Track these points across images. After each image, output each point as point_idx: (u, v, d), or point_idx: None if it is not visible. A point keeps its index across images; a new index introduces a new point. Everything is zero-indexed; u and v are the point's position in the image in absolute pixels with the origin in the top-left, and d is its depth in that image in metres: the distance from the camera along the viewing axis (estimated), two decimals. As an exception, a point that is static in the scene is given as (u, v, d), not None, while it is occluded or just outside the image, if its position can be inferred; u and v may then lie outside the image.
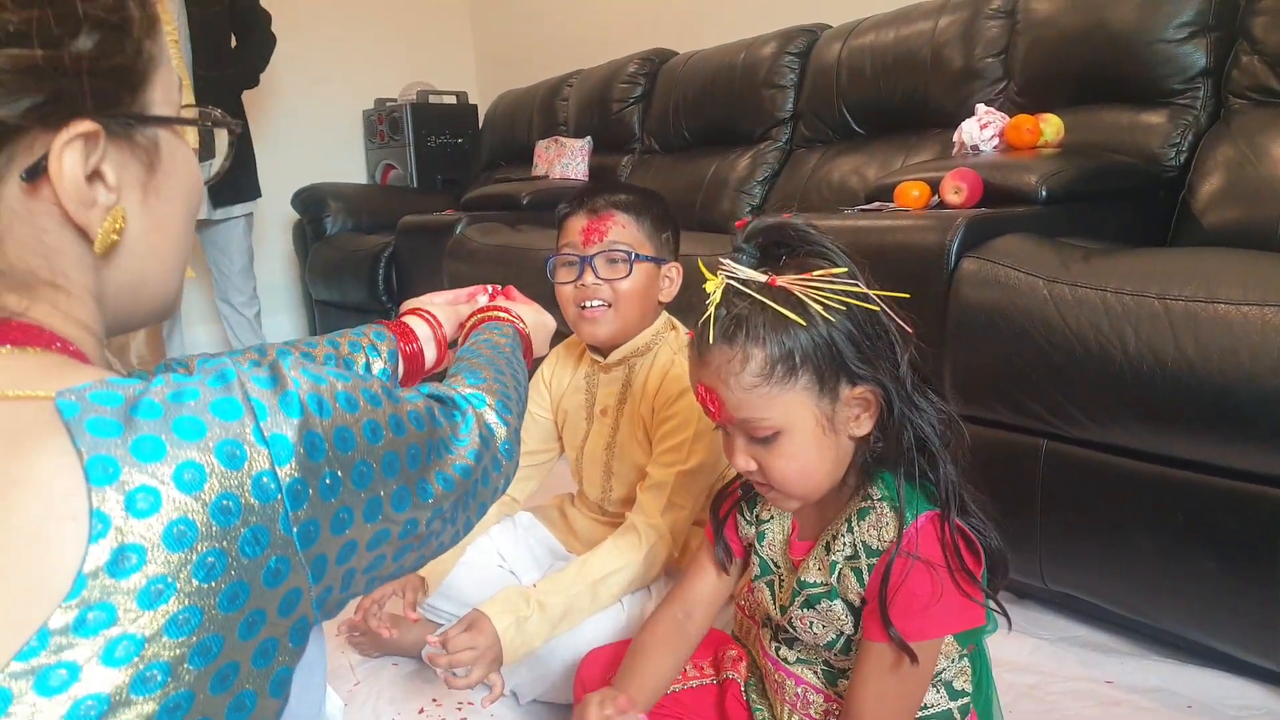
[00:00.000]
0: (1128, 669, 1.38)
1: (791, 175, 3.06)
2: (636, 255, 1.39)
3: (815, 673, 1.04)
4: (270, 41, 3.52)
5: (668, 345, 1.45)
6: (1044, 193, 1.76)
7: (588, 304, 1.41)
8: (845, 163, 2.86)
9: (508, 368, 0.79)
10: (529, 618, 1.25)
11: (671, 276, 1.45)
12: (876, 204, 1.99)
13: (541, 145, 3.97)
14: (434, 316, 0.97)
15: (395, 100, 4.86)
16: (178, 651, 0.42)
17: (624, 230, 1.39)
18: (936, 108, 2.58)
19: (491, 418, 0.66)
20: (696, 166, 3.38)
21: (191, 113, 0.61)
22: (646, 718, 1.07)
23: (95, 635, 0.40)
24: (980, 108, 2.17)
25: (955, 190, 1.81)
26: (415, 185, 4.73)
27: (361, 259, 3.85)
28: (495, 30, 5.15)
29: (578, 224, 1.41)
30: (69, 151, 0.50)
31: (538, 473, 1.61)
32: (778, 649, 1.07)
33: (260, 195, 3.53)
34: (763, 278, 0.90)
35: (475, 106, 4.95)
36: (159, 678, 0.41)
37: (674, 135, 3.56)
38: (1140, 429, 1.32)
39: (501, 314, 0.96)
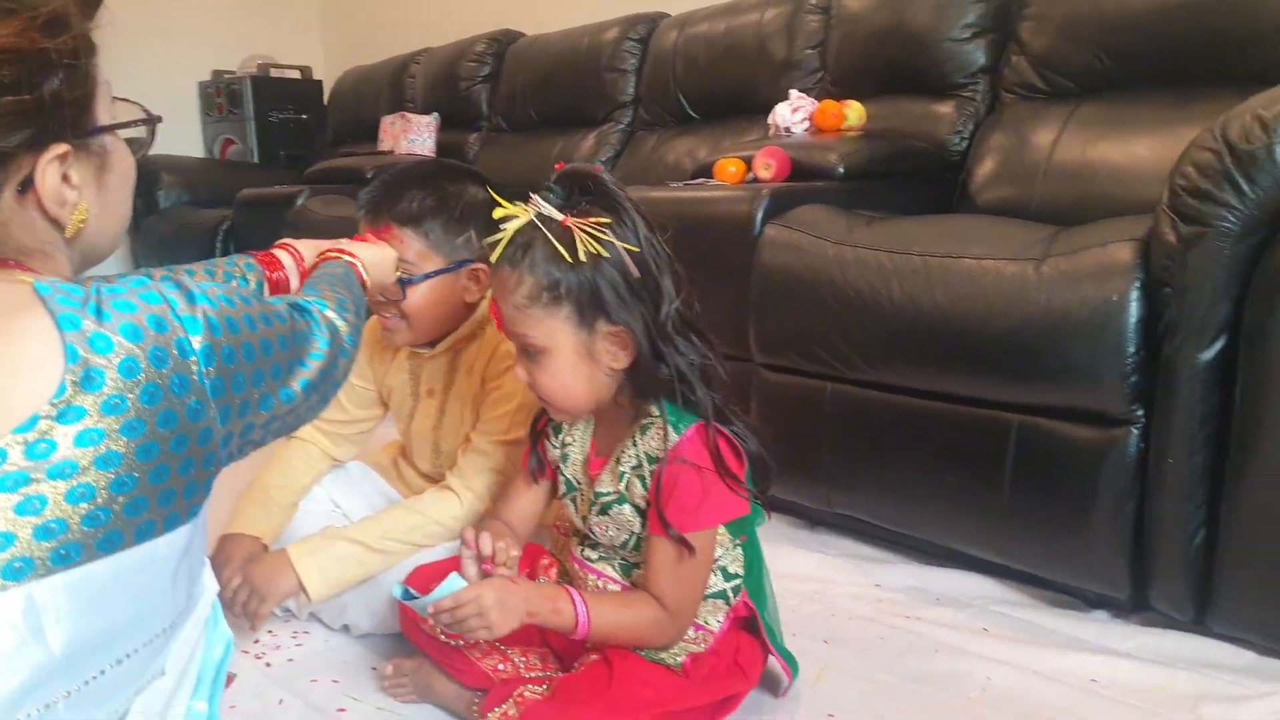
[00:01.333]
0: (893, 574, 1.60)
1: (633, 156, 3.22)
2: (408, 280, 1.32)
3: (613, 567, 1.19)
4: None
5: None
6: (842, 170, 1.99)
7: (381, 313, 1.38)
8: (680, 144, 3.04)
9: (341, 284, 0.96)
10: (335, 552, 1.31)
11: (478, 277, 1.38)
12: (700, 179, 2.17)
13: (388, 120, 4.01)
14: (297, 249, 1.12)
15: (234, 73, 4.78)
16: (128, 447, 0.60)
17: (402, 246, 1.31)
18: (762, 94, 2.76)
19: (333, 316, 0.83)
20: (543, 145, 3.50)
21: (124, 108, 0.78)
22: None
23: (70, 425, 0.58)
24: (793, 93, 2.38)
25: (765, 167, 2.01)
26: (257, 160, 4.67)
27: (198, 233, 3.81)
28: (342, 6, 5.13)
29: (362, 226, 1.35)
30: (50, 168, 0.68)
31: (361, 439, 1.62)
32: (582, 551, 1.22)
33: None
34: (560, 216, 1.04)
35: (320, 82, 4.92)
36: (115, 461, 0.59)
37: (521, 114, 3.67)
38: (903, 368, 1.54)
39: (334, 254, 1.13)
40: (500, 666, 1.18)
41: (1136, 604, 1.42)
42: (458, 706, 1.24)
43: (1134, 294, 1.28)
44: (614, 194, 1.06)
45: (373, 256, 1.18)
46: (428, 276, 1.34)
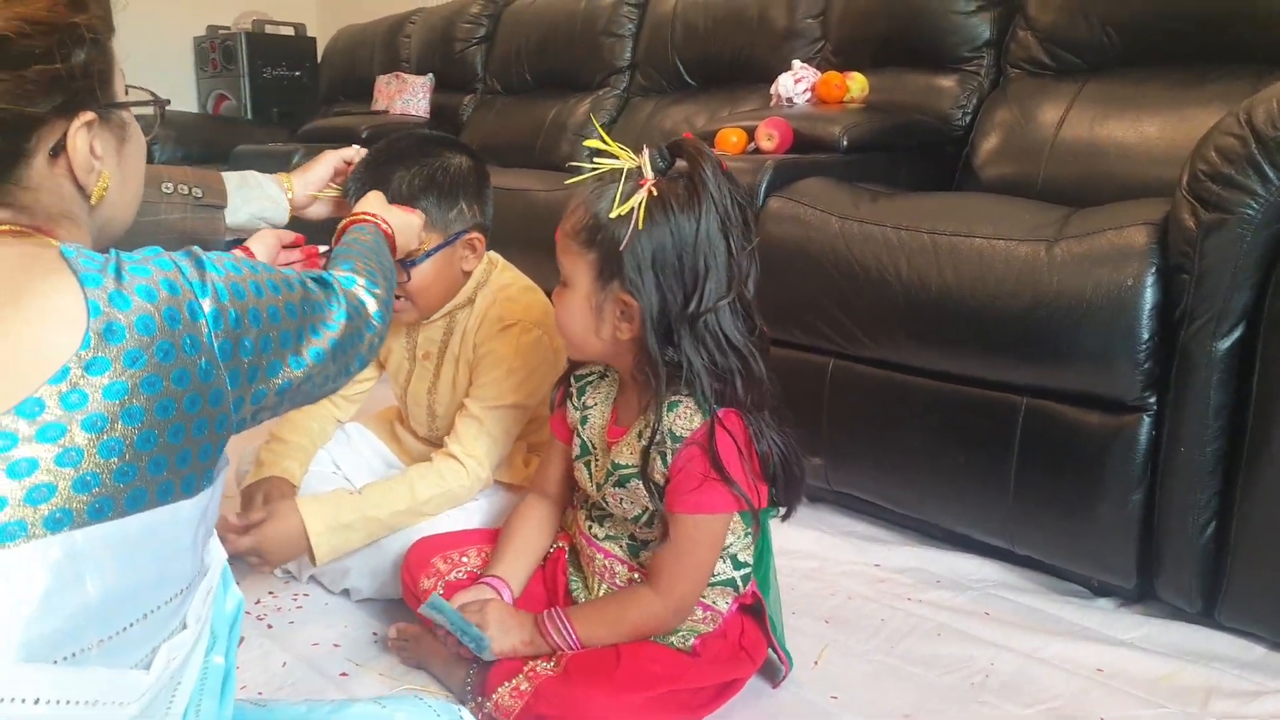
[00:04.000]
0: (892, 554, 1.59)
1: (628, 122, 3.17)
2: (411, 261, 1.34)
3: (621, 546, 1.19)
4: None
5: (489, 288, 1.45)
6: (845, 142, 1.96)
7: None
8: (677, 111, 2.99)
9: (371, 254, 0.99)
10: (350, 525, 1.32)
11: (473, 246, 1.40)
12: (700, 148, 2.14)
13: (382, 80, 3.95)
14: (251, 252, 1.16)
15: (229, 29, 4.71)
16: (149, 403, 0.63)
17: None
18: (761, 63, 2.73)
19: (361, 293, 0.88)
20: (537, 109, 3.44)
21: (137, 92, 0.83)
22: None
23: (98, 376, 0.61)
24: (796, 63, 2.34)
25: (768, 137, 1.97)
26: (250, 117, 4.62)
27: (191, 189, 3.75)
28: (335, -38, 5.03)
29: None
30: (79, 135, 0.72)
31: (359, 398, 1.64)
32: (590, 527, 1.21)
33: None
34: (651, 174, 1.04)
35: (314, 39, 4.85)
36: (138, 416, 0.62)
37: (516, 77, 3.61)
38: (909, 346, 1.52)
39: (365, 217, 1.14)
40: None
41: (1142, 593, 1.41)
42: (452, 681, 1.22)
43: (1149, 279, 1.26)
44: (703, 179, 1.03)
45: (400, 223, 1.20)
46: (428, 255, 1.36)
